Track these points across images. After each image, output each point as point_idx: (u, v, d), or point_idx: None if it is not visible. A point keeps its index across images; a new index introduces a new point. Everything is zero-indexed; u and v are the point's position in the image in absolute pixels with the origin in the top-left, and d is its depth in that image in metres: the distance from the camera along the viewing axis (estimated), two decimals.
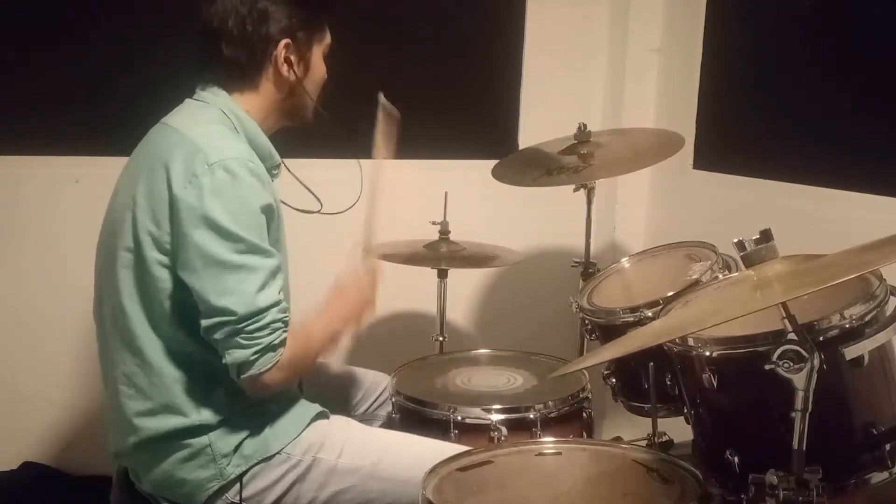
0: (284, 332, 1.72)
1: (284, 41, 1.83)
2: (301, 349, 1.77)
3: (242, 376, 1.70)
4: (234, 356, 1.69)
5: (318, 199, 2.00)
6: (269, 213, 1.75)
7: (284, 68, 1.84)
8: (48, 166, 2.71)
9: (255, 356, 1.68)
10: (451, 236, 2.53)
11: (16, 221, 2.72)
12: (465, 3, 3.00)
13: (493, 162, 2.60)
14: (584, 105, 2.98)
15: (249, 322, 1.67)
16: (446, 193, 2.49)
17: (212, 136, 1.76)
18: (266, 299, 1.69)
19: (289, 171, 1.96)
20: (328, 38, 1.93)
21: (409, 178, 2.88)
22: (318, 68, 1.92)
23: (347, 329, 1.91)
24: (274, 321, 1.69)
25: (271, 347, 1.69)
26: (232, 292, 1.67)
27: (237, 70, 1.84)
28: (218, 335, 1.69)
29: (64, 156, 2.70)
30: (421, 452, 1.83)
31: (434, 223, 2.52)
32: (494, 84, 3.06)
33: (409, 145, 2.91)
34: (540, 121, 2.97)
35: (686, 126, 2.81)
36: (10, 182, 2.70)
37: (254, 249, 1.69)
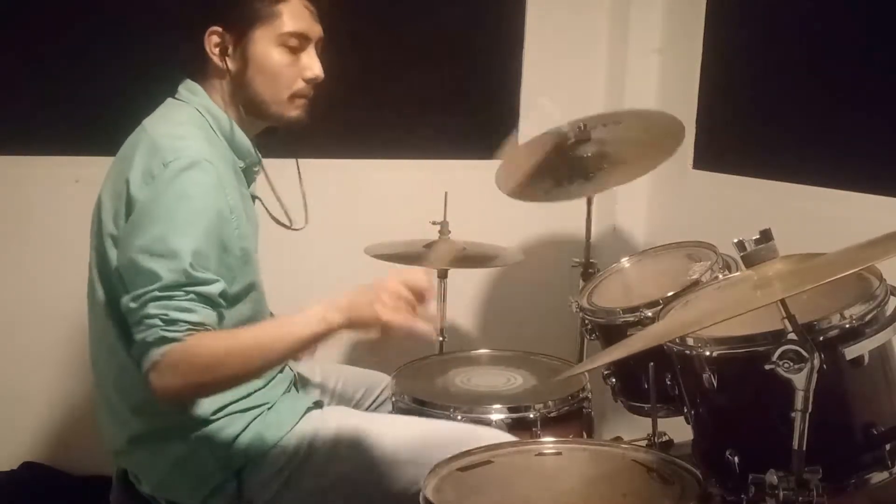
0: (165, 330, 1.55)
1: (212, 28, 1.76)
2: (199, 354, 1.57)
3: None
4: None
5: (289, 218, 1.94)
6: (222, 215, 1.69)
7: (216, 58, 1.77)
8: (48, 166, 2.71)
9: (137, 352, 1.59)
10: (451, 236, 2.53)
11: (16, 221, 2.72)
12: (466, 3, 3.00)
13: (493, 162, 2.60)
14: (584, 105, 2.98)
15: (128, 316, 1.60)
16: (446, 193, 2.49)
17: (173, 136, 1.71)
18: (138, 303, 1.58)
19: (267, 180, 1.94)
20: (287, 26, 1.78)
21: (409, 178, 2.91)
22: (267, 59, 1.78)
23: (334, 330, 1.62)
24: (147, 317, 1.56)
25: (145, 345, 1.56)
26: (127, 289, 1.61)
27: (184, 63, 1.80)
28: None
29: (64, 156, 2.70)
30: (417, 435, 1.83)
31: (434, 223, 2.51)
32: (494, 84, 3.05)
33: (410, 145, 2.94)
34: (540, 121, 2.96)
35: (686, 126, 2.80)
36: (10, 182, 2.70)
37: (170, 255, 1.60)
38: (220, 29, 1.76)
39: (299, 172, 1.93)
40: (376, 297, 1.59)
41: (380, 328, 1.59)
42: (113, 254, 1.69)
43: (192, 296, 1.59)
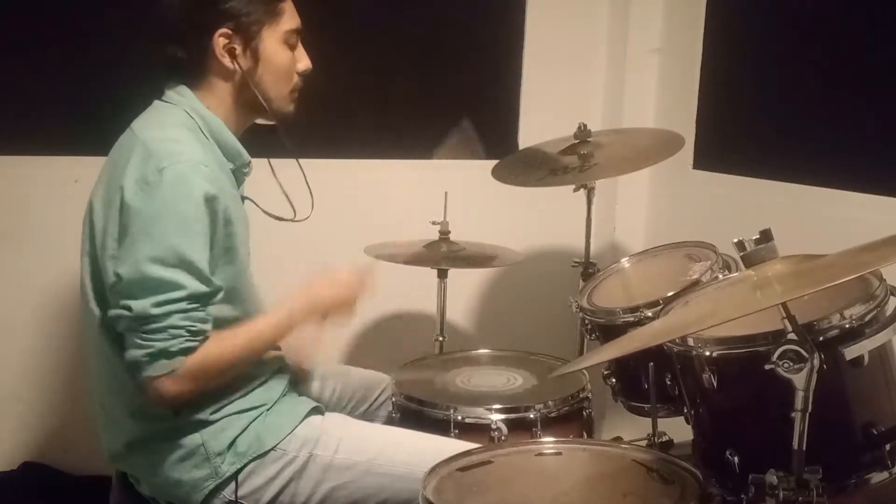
0: (189, 340, 1.62)
1: (221, 30, 1.76)
2: (213, 361, 1.67)
3: (136, 378, 1.64)
4: (129, 355, 1.64)
5: (293, 208, 1.95)
6: (216, 220, 1.70)
7: (227, 60, 1.78)
8: (48, 166, 2.71)
9: (147, 359, 1.61)
10: (451, 236, 2.53)
11: (16, 221, 2.71)
12: (466, 4, 2.99)
13: (494, 162, 2.60)
14: (584, 105, 2.98)
15: (144, 322, 1.61)
16: (446, 193, 2.49)
17: (165, 140, 1.71)
18: (163, 309, 1.61)
19: (273, 173, 1.95)
20: (288, 24, 1.82)
21: (409, 178, 2.91)
22: (276, 57, 1.81)
23: (307, 323, 1.80)
24: (173, 327, 1.61)
25: (165, 353, 1.61)
26: (137, 295, 1.62)
27: (182, 67, 1.79)
28: (119, 327, 1.66)
29: (64, 156, 2.70)
30: (418, 447, 1.83)
31: (434, 223, 2.51)
32: (494, 84, 3.05)
33: (409, 145, 2.94)
34: (540, 121, 2.97)
35: (686, 126, 2.80)
36: (10, 182, 2.70)
37: (185, 266, 1.63)
38: (228, 31, 1.77)
39: (301, 168, 1.94)
40: (331, 281, 1.86)
41: (346, 306, 1.85)
42: (108, 263, 1.69)
43: (209, 305, 1.65)
